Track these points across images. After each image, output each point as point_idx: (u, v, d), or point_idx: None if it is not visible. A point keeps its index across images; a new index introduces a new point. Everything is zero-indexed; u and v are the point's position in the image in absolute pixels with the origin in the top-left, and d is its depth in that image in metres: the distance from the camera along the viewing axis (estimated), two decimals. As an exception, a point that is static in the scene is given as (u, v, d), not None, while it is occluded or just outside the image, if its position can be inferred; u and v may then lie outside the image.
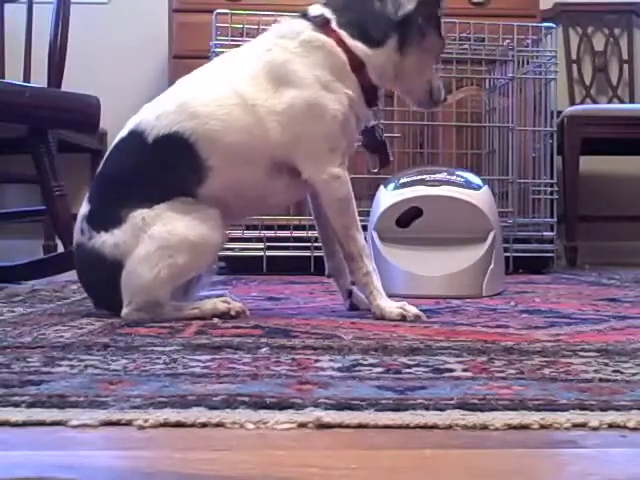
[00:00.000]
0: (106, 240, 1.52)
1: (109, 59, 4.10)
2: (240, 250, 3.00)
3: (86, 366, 1.05)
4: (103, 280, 1.55)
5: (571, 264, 3.64)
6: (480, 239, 2.14)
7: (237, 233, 2.94)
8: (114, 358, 1.12)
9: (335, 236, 1.62)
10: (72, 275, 1.87)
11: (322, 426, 0.78)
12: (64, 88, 2.52)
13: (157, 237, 1.50)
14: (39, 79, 2.51)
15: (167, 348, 1.20)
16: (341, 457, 0.73)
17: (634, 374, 1.01)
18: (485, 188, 2.23)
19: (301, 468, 0.69)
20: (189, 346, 1.21)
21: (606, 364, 1.08)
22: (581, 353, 1.16)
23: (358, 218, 1.60)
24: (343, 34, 1.57)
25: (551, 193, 3.15)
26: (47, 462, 0.71)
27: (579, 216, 3.66)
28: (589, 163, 3.91)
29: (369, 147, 1.77)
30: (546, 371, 1.03)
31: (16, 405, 0.84)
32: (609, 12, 4.22)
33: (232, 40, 2.85)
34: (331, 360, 1.10)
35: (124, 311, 1.52)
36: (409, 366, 1.06)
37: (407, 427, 0.79)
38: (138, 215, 1.51)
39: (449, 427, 0.78)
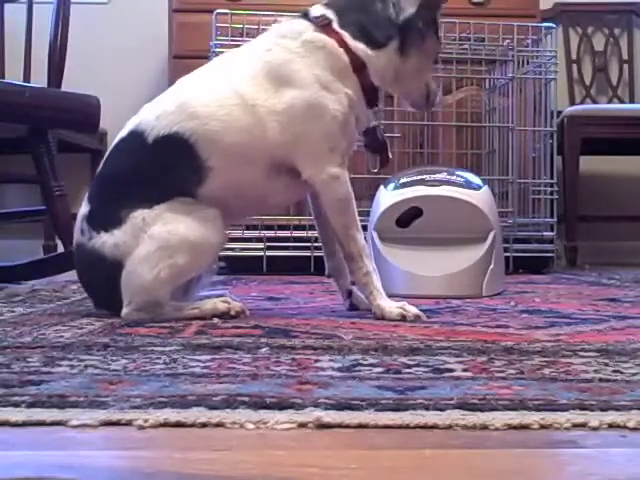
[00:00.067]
0: (106, 240, 1.52)
1: (109, 59, 4.10)
2: (240, 250, 3.00)
3: (86, 366, 1.05)
4: (103, 280, 1.55)
5: (571, 264, 3.64)
6: (480, 239, 2.14)
7: (237, 233, 2.94)
8: (114, 358, 1.12)
9: (335, 236, 1.62)
10: (72, 275, 1.87)
11: (322, 426, 0.78)
12: (64, 88, 2.52)
13: (157, 237, 1.50)
14: (39, 79, 2.51)
15: (167, 348, 1.20)
16: (341, 457, 0.73)
17: (634, 374, 1.01)
18: (485, 188, 2.23)
19: (301, 468, 0.69)
20: (189, 346, 1.21)
21: (606, 364, 1.08)
22: (581, 353, 1.16)
23: (358, 218, 1.60)
24: (345, 35, 1.58)
25: (551, 193, 3.16)
26: (47, 462, 0.71)
27: (579, 216, 3.66)
28: (589, 163, 3.91)
29: (370, 147, 1.77)
30: (546, 371, 1.03)
31: (16, 405, 0.84)
32: (609, 12, 4.22)
33: (232, 40, 2.86)
34: (331, 360, 1.10)
35: (124, 311, 1.53)
36: (409, 366, 1.06)
37: (407, 427, 0.79)
38: (138, 215, 1.51)
39: (449, 427, 0.78)
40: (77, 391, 0.90)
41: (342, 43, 1.57)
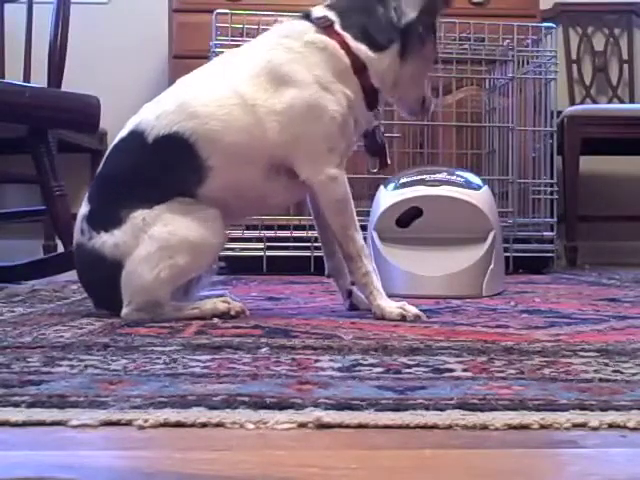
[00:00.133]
0: (106, 240, 1.52)
1: (109, 59, 4.10)
2: (240, 250, 3.00)
3: (86, 366, 1.05)
4: (103, 280, 1.55)
5: (571, 264, 3.64)
6: (480, 239, 2.14)
7: (237, 233, 2.94)
8: (114, 358, 1.12)
9: (334, 236, 1.63)
10: (72, 275, 1.87)
11: (322, 426, 0.78)
12: (64, 88, 2.52)
13: (157, 237, 1.50)
14: (39, 79, 2.51)
15: (167, 348, 1.20)
16: (341, 457, 0.73)
17: (634, 374, 1.01)
18: (485, 188, 2.23)
19: (301, 468, 0.69)
20: (189, 346, 1.21)
21: (606, 364, 1.08)
22: (581, 353, 1.16)
23: (356, 218, 1.60)
24: (346, 36, 1.58)
25: (551, 193, 3.16)
26: (47, 462, 0.71)
27: (579, 216, 3.66)
28: (589, 163, 3.91)
29: (370, 150, 1.78)
30: (546, 371, 1.03)
31: (16, 405, 0.84)
32: (609, 12, 4.22)
33: (232, 40, 2.86)
34: (331, 360, 1.10)
35: (124, 311, 1.53)
36: (409, 366, 1.06)
37: (407, 427, 0.79)
38: (138, 215, 1.51)
39: (449, 427, 0.78)
40: (77, 391, 0.90)
41: (343, 44, 1.57)
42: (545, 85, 3.15)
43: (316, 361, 1.10)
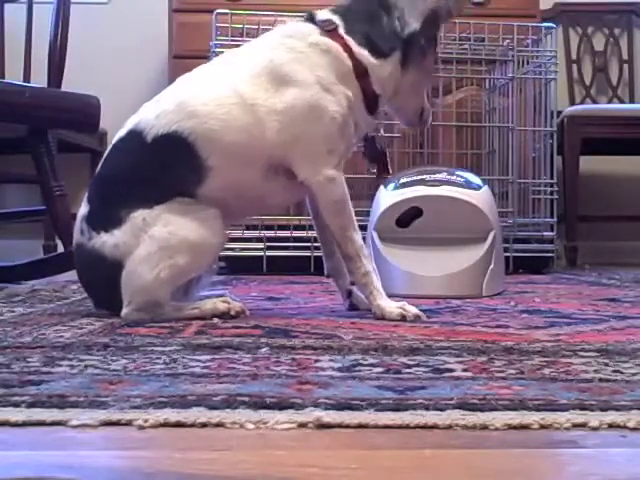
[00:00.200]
0: (106, 240, 1.52)
1: (109, 59, 4.10)
2: (240, 250, 3.00)
3: (86, 366, 1.05)
4: (103, 280, 1.55)
5: (571, 264, 3.64)
6: (480, 239, 2.14)
7: (237, 233, 2.94)
8: (114, 358, 1.12)
9: (333, 237, 1.63)
10: (72, 275, 1.87)
11: (322, 426, 0.78)
12: (64, 88, 2.52)
13: (158, 238, 1.50)
14: (39, 79, 2.51)
15: (167, 348, 1.20)
16: (341, 457, 0.73)
17: (634, 374, 1.01)
18: (485, 188, 2.23)
19: (301, 468, 0.69)
20: (189, 346, 1.21)
21: (606, 364, 1.08)
22: (581, 353, 1.16)
23: (355, 218, 1.60)
24: (350, 40, 1.59)
25: (551, 193, 3.16)
26: (47, 462, 0.71)
27: (579, 216, 3.66)
28: (589, 163, 3.91)
29: (369, 156, 1.78)
30: (546, 371, 1.03)
31: (16, 405, 0.84)
32: (609, 12, 4.22)
33: (232, 40, 2.86)
34: (331, 360, 1.10)
35: (124, 311, 1.53)
36: (409, 366, 1.06)
37: (407, 427, 0.79)
38: (138, 216, 1.51)
39: (449, 427, 0.78)
40: (77, 391, 0.90)
41: (347, 48, 1.58)
42: (545, 85, 3.15)
43: (316, 361, 1.10)
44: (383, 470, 0.69)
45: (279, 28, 1.66)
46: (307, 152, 1.56)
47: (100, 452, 0.75)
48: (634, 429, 0.78)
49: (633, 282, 2.58)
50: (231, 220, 1.70)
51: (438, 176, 2.19)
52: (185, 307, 1.57)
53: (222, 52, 2.38)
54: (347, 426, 0.79)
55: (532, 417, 0.80)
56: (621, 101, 4.15)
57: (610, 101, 4.16)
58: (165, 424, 0.79)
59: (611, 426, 0.79)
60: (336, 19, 1.60)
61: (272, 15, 2.84)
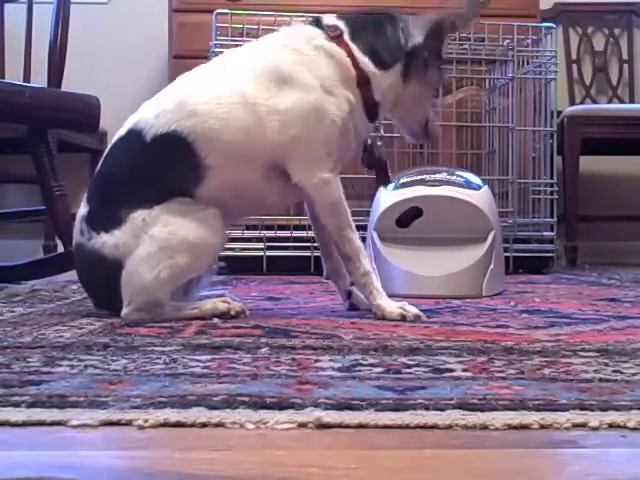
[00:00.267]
0: (106, 241, 1.52)
1: (109, 59, 4.10)
2: (240, 250, 3.00)
3: (86, 366, 1.05)
4: (103, 280, 1.55)
5: (571, 264, 3.64)
6: (480, 239, 2.14)
7: (237, 233, 2.94)
8: (114, 358, 1.12)
9: (330, 237, 1.63)
10: (72, 275, 1.87)
11: (322, 426, 0.78)
12: (64, 88, 2.52)
13: (158, 238, 1.50)
14: (39, 79, 2.51)
15: (167, 348, 1.20)
16: (341, 457, 0.73)
17: (634, 374, 1.01)
18: (485, 188, 2.23)
19: (301, 468, 0.69)
20: (189, 346, 1.21)
21: (606, 364, 1.08)
22: (581, 353, 1.16)
23: (352, 219, 1.60)
24: (354, 48, 1.59)
25: (551, 193, 3.15)
26: (47, 462, 0.71)
27: (579, 216, 3.66)
28: (589, 163, 3.91)
29: (367, 163, 1.78)
30: (546, 371, 1.03)
31: (16, 405, 0.84)
32: (609, 12, 4.22)
33: (232, 40, 2.85)
34: (331, 360, 1.10)
35: (124, 311, 1.52)
36: (409, 366, 1.06)
37: (407, 427, 0.79)
38: (138, 216, 1.51)
39: (449, 427, 0.78)
40: (77, 391, 0.90)
41: (350, 55, 1.58)
42: (545, 85, 3.15)
43: (316, 361, 1.10)
44: (383, 470, 0.69)
45: (284, 29, 1.66)
46: (306, 154, 1.56)
47: (100, 452, 0.75)
48: (634, 429, 0.78)
49: (633, 282, 2.58)
50: (231, 220, 1.70)
51: (438, 176, 2.19)
52: (185, 307, 1.57)
53: (222, 52, 2.38)
54: (347, 426, 0.79)
55: (532, 417, 0.80)
56: (621, 101, 4.15)
57: (610, 101, 4.16)
58: (165, 424, 0.79)
59: (611, 426, 0.79)
60: (342, 25, 1.61)
61: (272, 15, 2.85)
